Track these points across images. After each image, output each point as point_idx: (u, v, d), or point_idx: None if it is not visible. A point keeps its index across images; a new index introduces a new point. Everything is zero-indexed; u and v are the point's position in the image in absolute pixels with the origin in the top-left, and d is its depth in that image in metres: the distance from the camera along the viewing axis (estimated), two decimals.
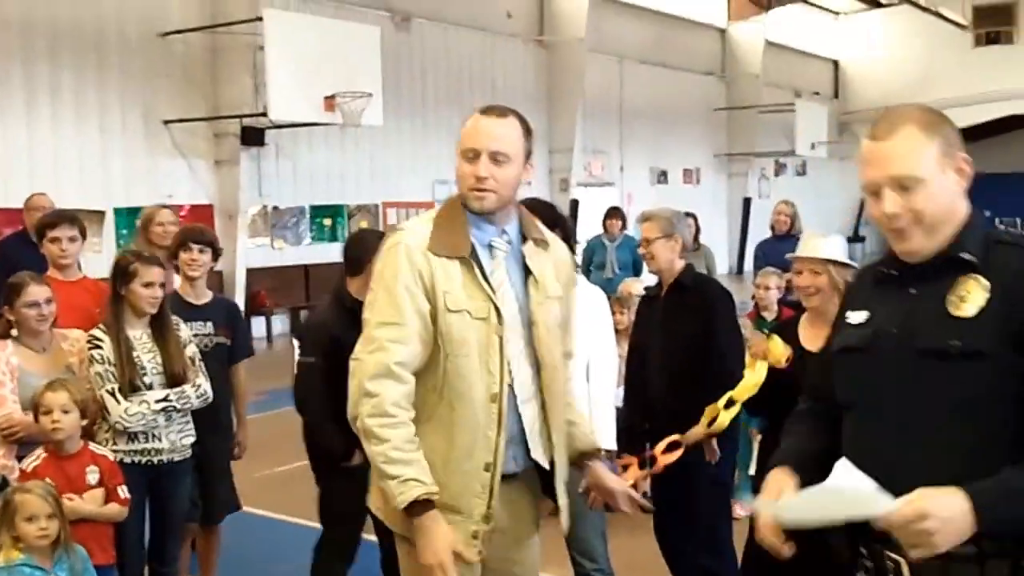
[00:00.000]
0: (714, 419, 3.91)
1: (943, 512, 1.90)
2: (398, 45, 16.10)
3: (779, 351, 3.69)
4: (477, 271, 2.70)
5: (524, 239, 2.83)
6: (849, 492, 1.97)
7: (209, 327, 4.67)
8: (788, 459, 2.28)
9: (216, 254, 4.80)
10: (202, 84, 13.97)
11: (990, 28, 27.76)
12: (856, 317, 2.27)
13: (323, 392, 4.07)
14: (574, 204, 19.25)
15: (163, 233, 5.42)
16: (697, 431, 3.98)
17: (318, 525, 4.54)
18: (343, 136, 15.54)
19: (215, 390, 4.37)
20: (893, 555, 2.11)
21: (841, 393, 2.25)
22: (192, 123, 13.77)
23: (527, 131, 2.81)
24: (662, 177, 23.44)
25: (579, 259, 8.79)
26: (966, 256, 2.10)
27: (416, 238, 2.72)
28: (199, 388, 4.24)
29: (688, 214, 9.77)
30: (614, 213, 10.67)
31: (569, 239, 4.15)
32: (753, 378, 3.73)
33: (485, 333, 2.67)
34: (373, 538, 4.32)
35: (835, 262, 3.72)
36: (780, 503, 2.14)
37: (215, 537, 4.91)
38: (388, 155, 16.54)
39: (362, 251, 4.18)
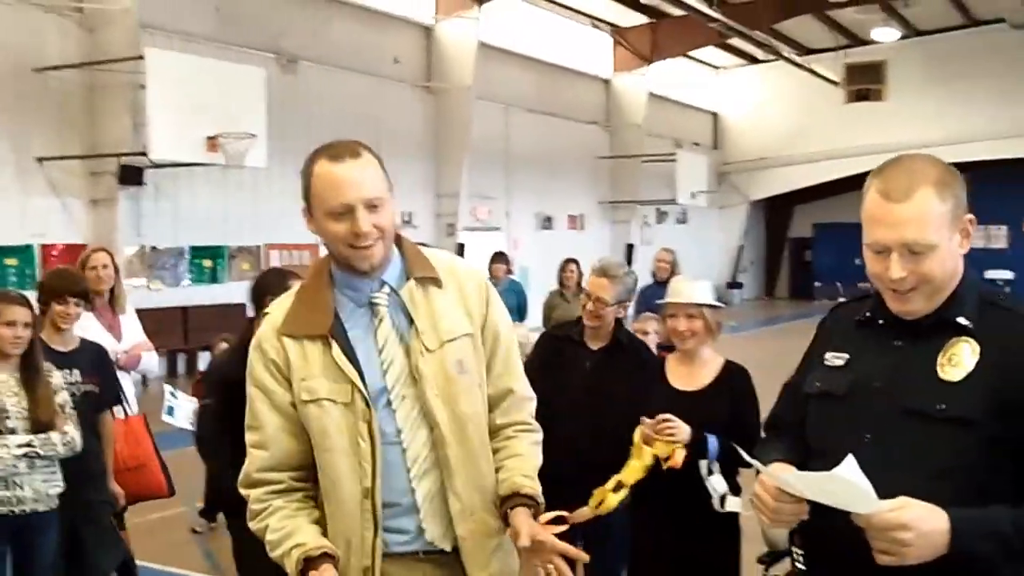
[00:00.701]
0: (602, 502, 3.82)
1: (924, 526, 1.88)
2: (284, 87, 15.95)
3: (664, 451, 3.61)
4: (336, 349, 2.39)
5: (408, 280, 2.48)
6: (848, 484, 1.92)
7: (76, 375, 4.50)
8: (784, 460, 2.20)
9: (89, 302, 4.67)
10: (79, 121, 13.58)
11: (861, 85, 28.94)
12: (835, 359, 2.21)
13: (220, 436, 3.94)
14: (460, 248, 19.27)
15: (96, 277, 5.33)
16: (584, 512, 3.87)
17: (196, 574, 4.41)
18: (225, 177, 15.29)
19: (85, 439, 4.22)
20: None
21: (813, 438, 2.19)
22: (68, 161, 13.37)
23: (378, 160, 2.49)
24: (547, 223, 23.66)
25: None
26: (963, 321, 2.07)
27: (272, 322, 2.47)
28: (66, 436, 4.07)
29: (571, 260, 9.95)
30: (499, 258, 10.70)
31: None
32: (642, 462, 3.62)
33: (351, 420, 2.37)
34: None
35: (709, 305, 3.80)
36: (787, 474, 2.06)
37: None
38: (272, 197, 16.30)
39: (261, 291, 4.08)
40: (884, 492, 1.92)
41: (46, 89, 13.21)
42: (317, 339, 2.41)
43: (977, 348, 2.04)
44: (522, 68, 22.66)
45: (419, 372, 2.40)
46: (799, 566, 2.27)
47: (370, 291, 2.44)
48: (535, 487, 2.45)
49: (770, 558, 3.92)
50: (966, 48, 26.70)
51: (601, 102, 26.23)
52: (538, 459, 2.56)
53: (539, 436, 2.61)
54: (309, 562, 2.30)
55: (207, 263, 15.76)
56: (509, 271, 10.60)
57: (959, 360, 2.04)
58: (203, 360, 13.13)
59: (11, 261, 13.02)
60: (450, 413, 2.42)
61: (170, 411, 5.54)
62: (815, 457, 2.15)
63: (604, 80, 26.19)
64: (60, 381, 4.20)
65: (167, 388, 5.60)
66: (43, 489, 4.03)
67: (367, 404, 2.37)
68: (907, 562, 1.89)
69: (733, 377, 3.80)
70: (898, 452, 2.02)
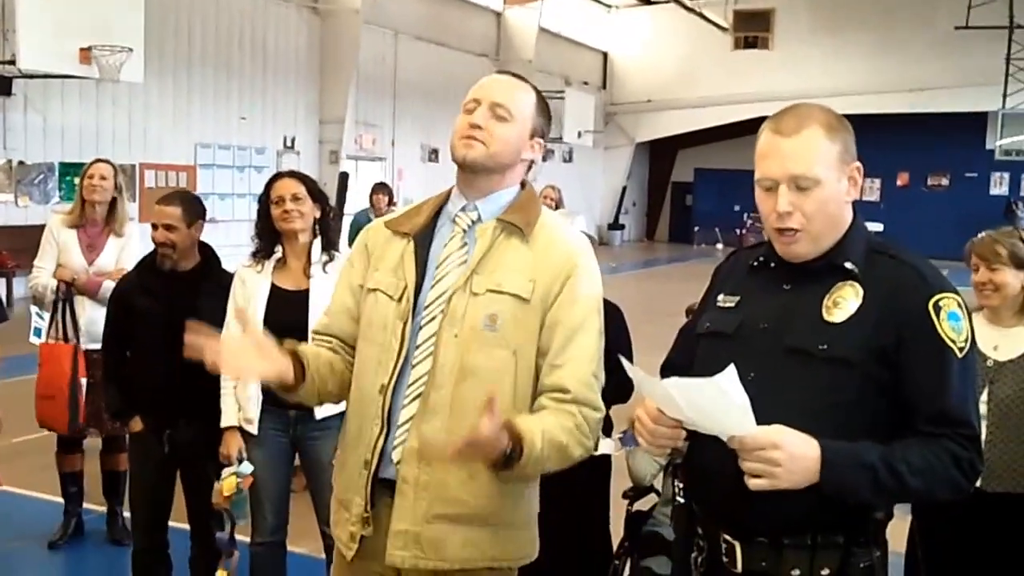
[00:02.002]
0: None
1: (794, 449, 1.93)
2: (163, 0, 15.36)
3: None
4: (410, 248, 2.44)
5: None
6: (725, 395, 1.91)
7: None
8: None
9: None
10: None
11: (748, 33, 29.30)
12: (727, 301, 2.27)
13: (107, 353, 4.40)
14: (343, 177, 18.99)
15: (91, 187, 5.21)
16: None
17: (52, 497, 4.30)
18: (99, 91, 14.70)
19: None
20: (728, 537, 2.14)
21: (700, 375, 2.10)
22: None
23: (543, 107, 2.50)
24: (433, 155, 23.49)
25: (345, 232, 8.67)
26: (848, 265, 2.12)
27: (392, 215, 2.63)
28: None
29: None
30: (380, 188, 10.57)
31: (330, 212, 4.08)
32: None
33: (392, 316, 2.40)
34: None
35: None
36: (667, 380, 2.03)
37: None
38: (149, 115, 15.78)
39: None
40: (771, 422, 1.96)
41: None
42: (405, 236, 2.49)
43: (861, 292, 2.10)
44: None
45: (449, 307, 2.37)
46: (679, 499, 2.31)
47: (460, 208, 2.48)
48: (531, 433, 2.22)
49: (634, 493, 4.01)
50: (853, 1, 27.21)
51: (492, 35, 26.00)
52: (562, 437, 2.29)
53: (577, 422, 2.33)
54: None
55: (78, 181, 15.17)
56: (392, 202, 10.48)
57: (843, 303, 2.10)
58: None
59: None
60: (455, 359, 2.35)
61: (37, 332, 5.33)
62: None
63: (496, 12, 25.95)
64: None
65: (33, 309, 5.38)
66: None
67: (410, 308, 2.41)
68: (779, 485, 1.93)
69: (607, 315, 3.82)
70: (779, 390, 2.06)
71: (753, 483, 1.95)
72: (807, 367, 2.07)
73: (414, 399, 2.38)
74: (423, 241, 2.47)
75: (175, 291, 4.09)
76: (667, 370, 2.36)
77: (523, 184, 2.52)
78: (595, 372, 2.39)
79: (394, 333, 2.39)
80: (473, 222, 2.45)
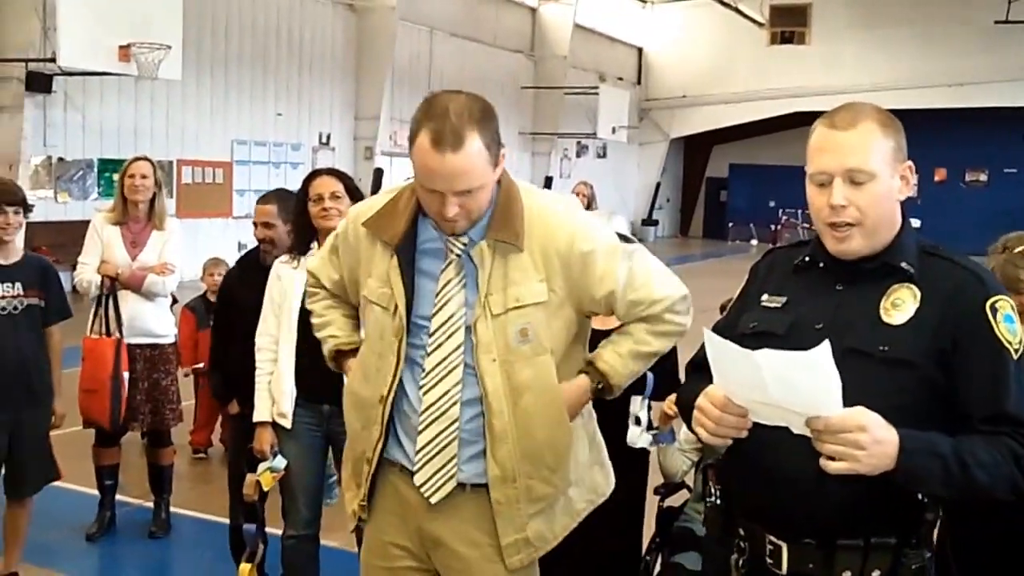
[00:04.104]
0: None
1: (878, 433, 1.89)
2: None
3: None
4: (395, 263, 2.49)
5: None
6: (817, 373, 1.87)
7: (18, 288, 4.39)
8: None
9: (27, 211, 4.54)
10: None
11: (785, 28, 29.12)
12: (772, 301, 2.23)
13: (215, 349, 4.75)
14: (378, 173, 19.08)
15: (133, 185, 5.28)
16: None
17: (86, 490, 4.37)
18: (138, 88, 14.85)
19: (27, 354, 4.26)
20: (773, 538, 2.10)
21: None
22: None
23: (491, 135, 2.44)
24: None
25: None
26: (905, 266, 2.11)
27: (362, 210, 2.65)
28: None
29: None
30: None
31: None
32: None
33: (388, 331, 2.50)
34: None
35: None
36: (753, 352, 1.94)
37: (24, 512, 4.59)
38: (186, 111, 15.93)
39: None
40: None
41: None
42: (386, 245, 2.52)
43: (919, 294, 2.08)
44: None
45: (477, 336, 2.44)
46: (713, 499, 2.29)
47: (447, 235, 2.48)
48: (611, 365, 2.57)
49: (665, 489, 4.01)
50: None
51: (527, 31, 26.00)
52: (645, 346, 2.60)
53: (661, 327, 2.59)
54: (341, 354, 2.79)
55: (116, 177, 15.32)
56: None
57: (902, 304, 2.08)
58: None
59: None
60: (504, 381, 2.45)
61: None
62: None
63: (531, 8, 25.94)
64: None
65: None
66: None
67: (404, 325, 2.49)
68: (857, 470, 1.90)
69: None
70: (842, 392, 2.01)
71: (833, 466, 1.90)
72: (866, 369, 2.03)
73: (431, 423, 2.49)
74: (407, 255, 2.50)
75: None
76: (698, 369, 2.33)
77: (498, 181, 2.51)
78: (664, 276, 2.62)
79: (391, 348, 2.50)
80: (465, 245, 2.48)
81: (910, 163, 2.15)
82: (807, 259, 2.24)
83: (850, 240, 2.11)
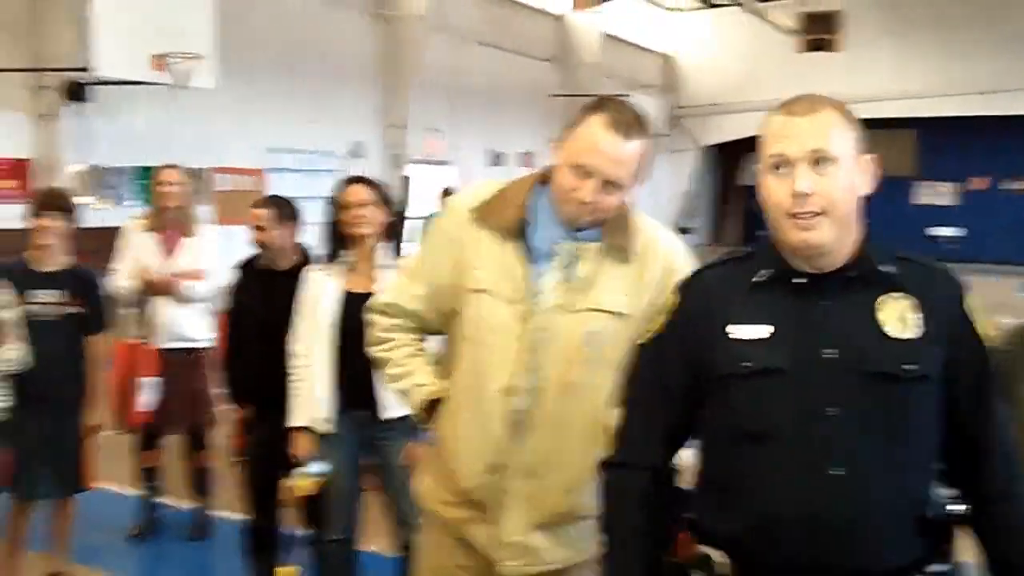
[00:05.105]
0: None
1: None
2: (232, 7, 15.62)
3: None
4: (518, 248, 2.48)
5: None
6: None
7: (58, 296, 4.46)
8: None
9: (72, 219, 4.61)
10: (21, 34, 13.21)
11: (815, 35, 28.96)
12: (747, 332, 1.97)
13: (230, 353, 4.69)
14: (406, 181, 19.14)
15: (162, 193, 5.39)
16: None
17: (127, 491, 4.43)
18: (171, 97, 14.98)
19: (64, 363, 4.35)
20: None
21: (750, 423, 1.95)
22: (9, 74, 13.02)
23: (647, 154, 2.51)
24: (497, 159, 23.55)
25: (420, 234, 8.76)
26: (887, 269, 1.97)
27: (466, 201, 2.58)
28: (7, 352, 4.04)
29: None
30: (448, 193, 10.68)
31: (398, 217, 4.19)
32: None
33: (511, 319, 2.46)
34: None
35: None
36: None
37: (64, 513, 4.67)
38: (218, 119, 16.04)
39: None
40: (866, 457, 1.89)
41: None
42: (500, 234, 2.48)
43: (917, 302, 1.96)
44: (475, 0, 22.38)
45: (552, 323, 2.45)
46: (713, 560, 2.02)
47: (559, 236, 2.49)
48: None
49: None
50: (923, 1, 26.77)
51: (555, 40, 26.02)
52: None
53: None
54: (433, 403, 2.60)
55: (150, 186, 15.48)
56: None
57: (908, 316, 1.95)
58: None
59: None
60: (558, 375, 2.46)
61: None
62: (749, 441, 1.96)
63: (558, 16, 25.96)
64: (6, 299, 4.14)
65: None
66: None
67: (530, 310, 2.45)
68: None
69: None
70: (866, 419, 1.90)
71: None
72: (890, 391, 1.91)
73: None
74: (522, 245, 2.50)
75: (270, 289, 4.25)
76: (668, 438, 2.11)
77: None
78: None
79: (516, 335, 2.46)
80: (572, 246, 2.50)
81: (872, 157, 2.00)
82: (770, 274, 2.01)
83: (817, 230, 1.90)
